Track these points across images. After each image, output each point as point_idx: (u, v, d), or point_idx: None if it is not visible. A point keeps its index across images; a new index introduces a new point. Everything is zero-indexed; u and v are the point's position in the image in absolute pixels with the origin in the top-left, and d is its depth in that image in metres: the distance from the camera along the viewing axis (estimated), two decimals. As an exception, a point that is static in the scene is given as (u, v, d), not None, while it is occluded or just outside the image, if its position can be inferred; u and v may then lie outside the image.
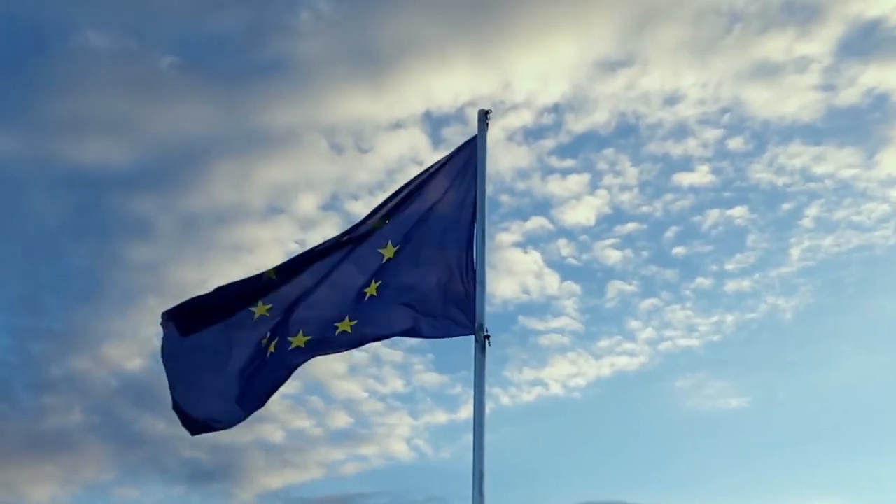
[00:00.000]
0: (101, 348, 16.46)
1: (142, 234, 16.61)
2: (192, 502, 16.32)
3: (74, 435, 16.36)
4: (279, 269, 5.97)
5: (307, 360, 5.90)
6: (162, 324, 5.99)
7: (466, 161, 5.94)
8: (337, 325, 5.85)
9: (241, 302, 5.93)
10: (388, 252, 5.89)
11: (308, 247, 6.07)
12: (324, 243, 6.01)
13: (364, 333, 5.85)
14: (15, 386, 16.37)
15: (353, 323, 5.84)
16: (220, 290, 5.97)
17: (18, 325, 16.77)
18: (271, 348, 5.87)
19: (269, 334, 5.89)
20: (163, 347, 5.98)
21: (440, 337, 5.76)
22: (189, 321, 5.95)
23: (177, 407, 5.91)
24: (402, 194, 5.99)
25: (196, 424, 5.95)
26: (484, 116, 5.98)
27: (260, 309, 5.91)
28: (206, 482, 16.42)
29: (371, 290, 5.86)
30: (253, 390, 5.88)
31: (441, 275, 5.77)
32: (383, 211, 5.98)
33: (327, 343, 5.88)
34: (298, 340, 5.86)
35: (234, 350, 5.90)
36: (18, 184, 16.65)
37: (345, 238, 5.98)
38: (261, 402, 5.90)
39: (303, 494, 15.83)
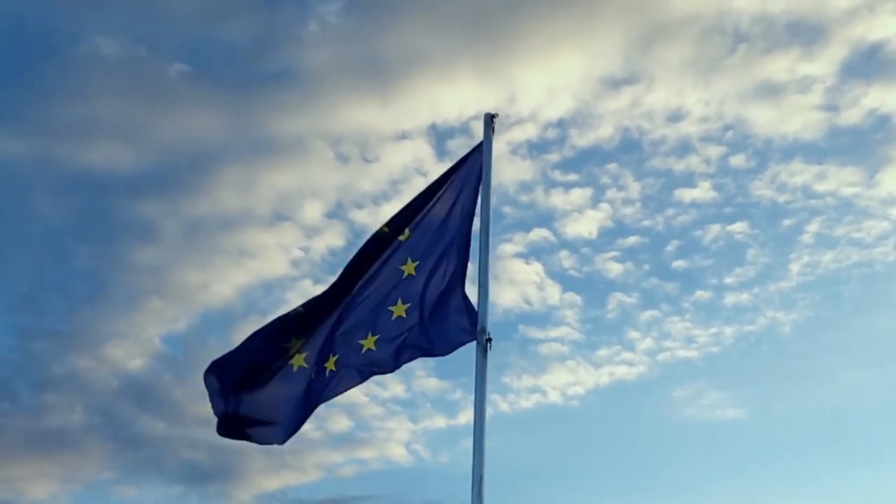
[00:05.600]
0: (104, 348, 16.62)
1: (147, 237, 16.78)
2: (191, 502, 16.45)
3: (75, 434, 16.49)
4: (307, 305, 6.01)
5: (340, 391, 5.95)
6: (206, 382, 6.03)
7: (471, 170, 6.01)
8: (362, 342, 5.92)
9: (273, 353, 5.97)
10: (409, 269, 5.97)
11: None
12: (347, 271, 6.06)
13: (385, 358, 5.90)
14: (17, 384, 16.53)
15: (375, 338, 5.91)
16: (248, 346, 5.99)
17: (22, 325, 16.94)
18: (301, 363, 5.94)
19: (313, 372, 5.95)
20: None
21: (448, 353, 5.82)
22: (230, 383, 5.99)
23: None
24: (417, 206, 6.05)
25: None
26: (490, 121, 6.06)
27: (297, 360, 5.96)
28: (204, 482, 16.55)
29: (399, 311, 5.92)
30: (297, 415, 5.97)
31: (449, 285, 5.86)
32: (403, 223, 6.04)
33: (354, 365, 5.92)
34: (330, 364, 5.94)
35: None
36: (25, 186, 16.81)
37: (366, 258, 6.05)
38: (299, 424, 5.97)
39: (300, 496, 15.95)
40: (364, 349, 5.92)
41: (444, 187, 6.05)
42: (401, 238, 6.02)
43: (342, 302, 5.99)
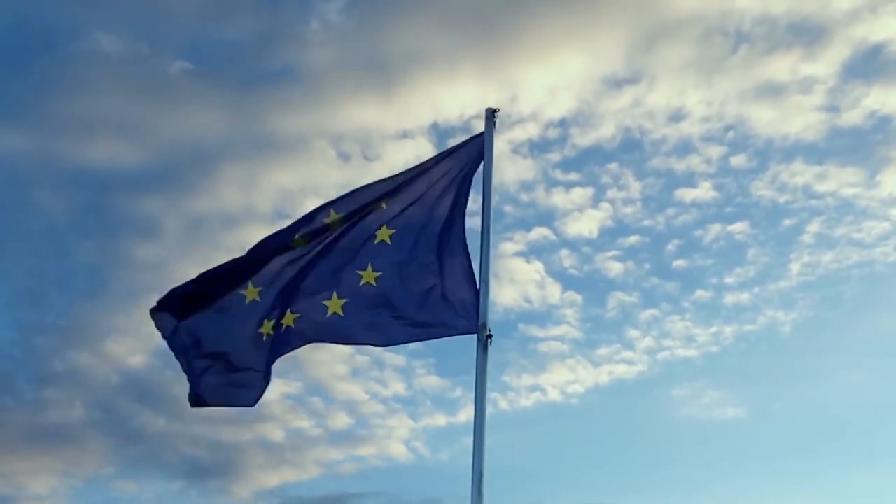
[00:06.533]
0: (104, 344, 16.65)
1: (148, 233, 16.79)
2: (190, 498, 16.51)
3: (75, 429, 16.54)
4: (262, 246, 5.91)
5: (298, 346, 5.82)
6: (154, 317, 6.01)
7: (470, 165, 5.92)
8: (326, 303, 5.80)
9: (229, 286, 5.92)
10: (383, 234, 5.86)
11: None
12: (310, 220, 5.93)
13: (356, 331, 5.78)
14: (18, 379, 16.56)
15: (342, 302, 5.79)
16: (206, 276, 5.96)
17: (23, 320, 16.98)
18: (269, 331, 5.83)
19: (264, 320, 5.85)
20: (167, 340, 5.99)
21: (441, 336, 5.76)
22: (180, 308, 5.96)
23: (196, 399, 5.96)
24: (401, 181, 5.94)
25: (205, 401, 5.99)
26: (491, 115, 6.01)
27: (250, 292, 5.88)
28: (204, 478, 16.66)
29: (368, 278, 5.79)
30: (254, 376, 5.86)
31: (445, 279, 5.77)
32: (378, 193, 5.92)
33: (317, 326, 5.79)
34: (287, 319, 5.81)
35: (233, 335, 5.89)
36: (27, 182, 16.85)
37: (331, 218, 5.92)
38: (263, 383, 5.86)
39: (300, 493, 16.05)
40: (329, 312, 5.80)
41: (435, 175, 5.94)
42: (376, 205, 5.91)
43: (302, 256, 5.89)
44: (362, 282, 5.81)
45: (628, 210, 16.90)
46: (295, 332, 5.83)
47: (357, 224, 5.91)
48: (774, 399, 17.82)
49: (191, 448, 16.55)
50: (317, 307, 5.81)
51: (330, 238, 5.91)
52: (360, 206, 5.95)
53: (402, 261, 5.84)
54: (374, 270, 5.83)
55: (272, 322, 5.84)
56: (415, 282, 5.80)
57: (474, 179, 5.95)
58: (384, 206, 5.92)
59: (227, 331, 5.91)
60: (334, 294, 5.81)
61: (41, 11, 15.88)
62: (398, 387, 16.54)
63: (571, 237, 16.91)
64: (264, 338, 5.83)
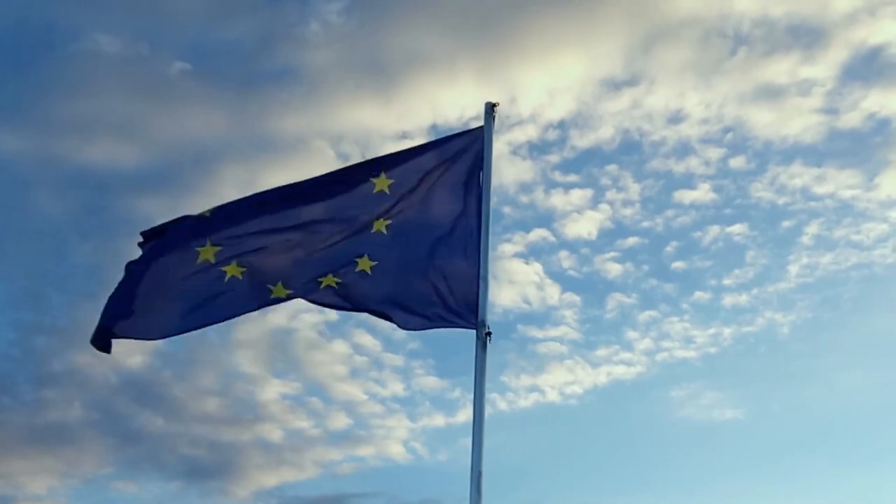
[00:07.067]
0: (103, 345, 16.62)
1: (147, 234, 16.78)
2: (189, 498, 16.53)
3: (74, 429, 16.54)
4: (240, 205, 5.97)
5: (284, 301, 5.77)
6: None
7: (471, 167, 5.87)
8: (320, 279, 5.76)
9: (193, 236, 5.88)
10: (380, 225, 5.82)
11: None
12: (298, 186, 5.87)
13: (353, 296, 5.75)
14: (17, 379, 16.55)
15: (337, 280, 5.77)
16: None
17: (22, 320, 16.96)
18: (236, 273, 5.73)
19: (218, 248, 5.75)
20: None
21: (439, 327, 5.74)
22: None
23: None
24: (401, 160, 5.88)
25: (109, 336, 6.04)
26: (490, 110, 5.96)
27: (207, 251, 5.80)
28: (203, 479, 16.67)
29: (364, 266, 5.78)
30: (201, 309, 5.74)
31: (446, 277, 5.76)
32: (381, 167, 5.85)
33: (310, 292, 5.76)
34: (279, 291, 5.74)
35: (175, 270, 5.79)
36: (26, 182, 16.84)
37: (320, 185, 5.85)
38: (207, 322, 5.78)
39: (298, 493, 16.09)
40: (323, 285, 5.77)
41: (432, 159, 5.88)
42: (377, 184, 5.83)
43: (294, 229, 5.81)
44: (358, 268, 5.79)
45: (627, 212, 16.94)
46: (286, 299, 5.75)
47: (350, 201, 5.81)
48: (773, 400, 17.88)
49: (189, 448, 16.60)
50: (311, 283, 5.75)
51: (317, 208, 5.82)
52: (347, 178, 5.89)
53: (400, 254, 5.80)
54: (370, 259, 5.80)
55: (244, 269, 5.72)
56: (413, 276, 5.79)
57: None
58: (381, 186, 5.82)
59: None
60: (330, 275, 5.76)
61: (41, 11, 15.92)
62: (397, 387, 16.58)
63: (570, 238, 16.95)
64: (228, 277, 5.72)
